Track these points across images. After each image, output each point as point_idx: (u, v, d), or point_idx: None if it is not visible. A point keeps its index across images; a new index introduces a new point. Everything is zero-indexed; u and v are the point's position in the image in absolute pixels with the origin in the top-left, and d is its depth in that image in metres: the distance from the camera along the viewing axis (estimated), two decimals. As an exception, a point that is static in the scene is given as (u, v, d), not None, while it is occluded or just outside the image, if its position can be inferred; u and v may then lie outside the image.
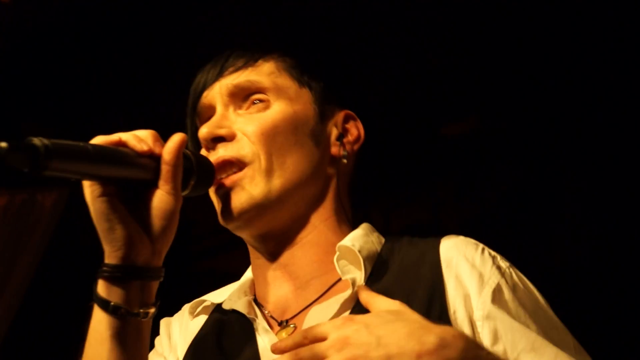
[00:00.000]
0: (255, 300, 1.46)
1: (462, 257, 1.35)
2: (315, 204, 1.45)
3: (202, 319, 1.49)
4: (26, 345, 3.17)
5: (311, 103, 1.47)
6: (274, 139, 1.41)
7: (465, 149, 3.13)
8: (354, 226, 1.47)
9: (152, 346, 1.49)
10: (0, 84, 2.83)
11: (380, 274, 1.37)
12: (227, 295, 1.48)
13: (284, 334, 1.37)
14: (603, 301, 2.46)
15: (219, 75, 1.48)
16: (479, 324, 1.28)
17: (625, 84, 2.64)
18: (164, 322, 1.54)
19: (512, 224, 2.90)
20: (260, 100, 1.45)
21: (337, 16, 2.57)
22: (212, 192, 1.44)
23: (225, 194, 1.40)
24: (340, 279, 1.38)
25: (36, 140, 1.07)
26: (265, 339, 1.36)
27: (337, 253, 1.38)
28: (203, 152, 1.45)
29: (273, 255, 1.44)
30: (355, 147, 1.50)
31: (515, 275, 1.36)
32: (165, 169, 1.24)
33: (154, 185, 1.24)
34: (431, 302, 1.29)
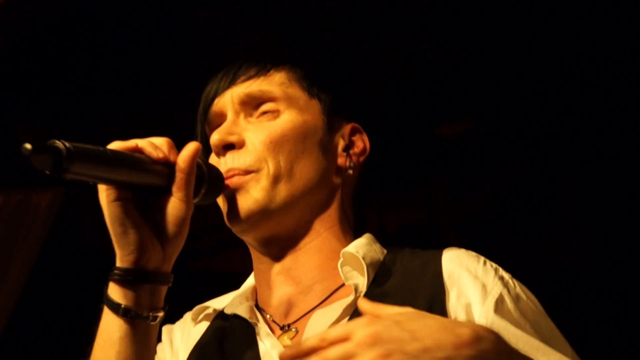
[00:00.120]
0: (257, 306, 1.47)
1: (465, 269, 1.37)
2: (320, 211, 1.47)
3: (204, 325, 1.50)
4: (22, 346, 3.16)
5: (320, 114, 1.49)
6: (283, 147, 1.42)
7: (461, 149, 3.13)
8: (356, 235, 1.49)
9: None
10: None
11: (382, 281, 1.38)
12: (228, 302, 1.49)
13: (285, 337, 1.38)
14: (602, 301, 2.47)
15: (231, 83, 1.50)
16: None
17: (624, 83, 2.64)
18: (165, 329, 1.55)
19: (508, 224, 2.90)
20: (271, 110, 1.47)
21: (330, 16, 2.57)
22: None
23: (230, 196, 1.42)
24: (342, 285, 1.39)
25: (59, 143, 1.08)
26: (267, 343, 1.37)
27: (341, 259, 1.40)
28: (213, 157, 1.47)
29: (276, 259, 1.46)
30: (361, 159, 1.52)
31: (517, 286, 1.37)
32: (179, 176, 1.26)
33: (167, 192, 1.26)
34: (431, 311, 1.30)
